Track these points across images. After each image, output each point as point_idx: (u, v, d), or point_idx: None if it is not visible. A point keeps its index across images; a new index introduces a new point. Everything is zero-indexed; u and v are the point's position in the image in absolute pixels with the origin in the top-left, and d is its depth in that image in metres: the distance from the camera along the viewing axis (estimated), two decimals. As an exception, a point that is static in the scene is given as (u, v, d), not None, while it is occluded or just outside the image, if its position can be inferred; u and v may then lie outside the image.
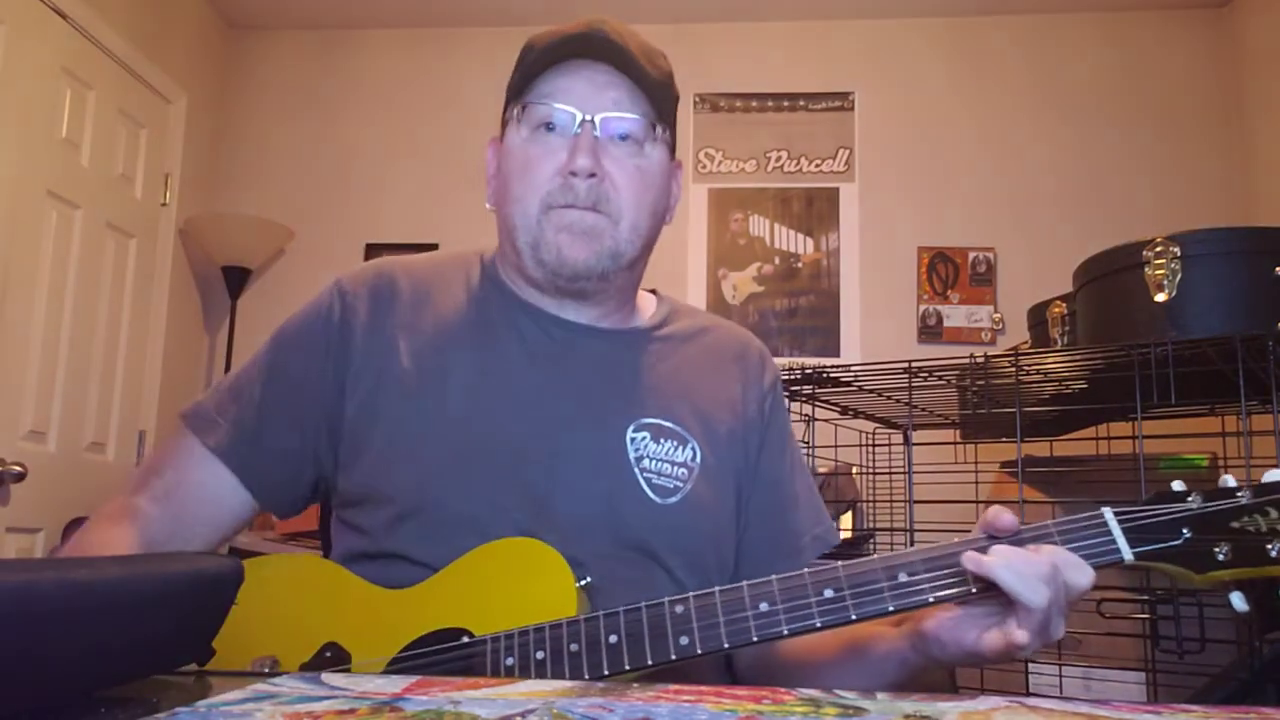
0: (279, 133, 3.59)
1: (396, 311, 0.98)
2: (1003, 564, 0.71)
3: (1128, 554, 0.73)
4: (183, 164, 3.29)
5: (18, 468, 2.50)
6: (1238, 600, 0.71)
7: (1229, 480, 0.73)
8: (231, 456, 0.96)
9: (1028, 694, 1.85)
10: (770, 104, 3.43)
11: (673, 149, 0.99)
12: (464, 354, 0.95)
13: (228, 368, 3.29)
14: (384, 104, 3.56)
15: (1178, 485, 0.75)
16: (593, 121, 0.91)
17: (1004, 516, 0.74)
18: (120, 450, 2.99)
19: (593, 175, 0.91)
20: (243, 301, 3.35)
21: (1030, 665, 1.91)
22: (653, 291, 1.09)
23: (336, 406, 0.95)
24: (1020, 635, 0.70)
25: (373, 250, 3.41)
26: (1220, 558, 0.71)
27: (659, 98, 0.94)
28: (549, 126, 0.93)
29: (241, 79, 3.63)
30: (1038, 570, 0.70)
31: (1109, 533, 0.73)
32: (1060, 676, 1.91)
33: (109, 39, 2.89)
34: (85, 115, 2.81)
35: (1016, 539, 0.74)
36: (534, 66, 0.93)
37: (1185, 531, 0.72)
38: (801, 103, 3.42)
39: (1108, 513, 0.74)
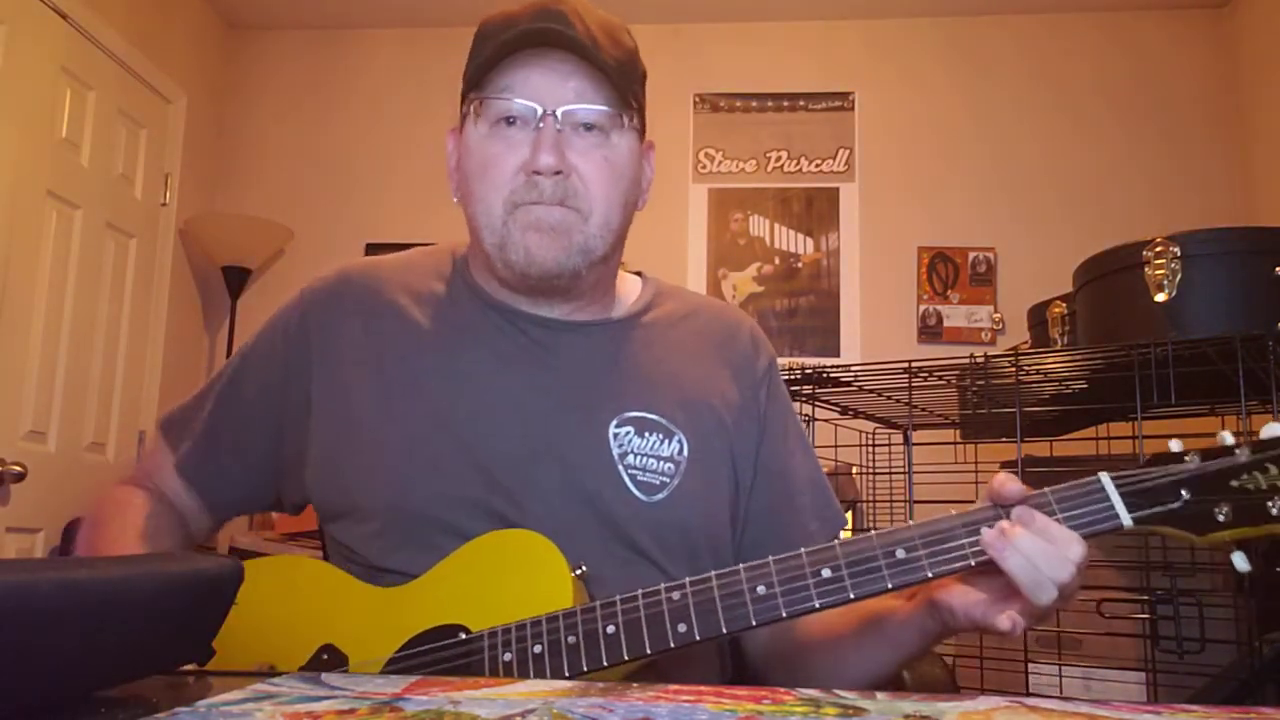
0: (279, 133, 3.59)
1: (360, 320, 0.95)
2: (1016, 556, 0.70)
3: (1126, 519, 0.71)
4: (183, 164, 3.29)
5: (18, 468, 2.50)
6: (1240, 560, 0.70)
7: (1226, 436, 0.71)
8: (188, 472, 1.00)
9: (1028, 694, 1.85)
10: (770, 104, 3.43)
11: (642, 130, 0.94)
12: (435, 358, 0.93)
13: (228, 368, 3.29)
14: (384, 104, 3.56)
15: (1175, 445, 0.72)
16: (555, 115, 0.86)
17: (1010, 485, 0.72)
18: (120, 450, 2.99)
19: (558, 173, 0.86)
20: (243, 301, 3.35)
21: (1030, 665, 1.91)
22: (638, 273, 1.05)
23: (299, 422, 0.95)
24: (1022, 621, 0.71)
25: (372, 250, 3.40)
26: (1220, 518, 0.69)
27: (624, 81, 0.89)
28: (509, 120, 0.87)
29: (241, 79, 3.63)
30: (1050, 564, 0.69)
31: (1107, 499, 0.72)
32: (1060, 676, 1.91)
33: (109, 39, 2.88)
34: (85, 115, 2.81)
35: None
36: (490, 57, 0.87)
37: (1184, 493, 0.70)
38: (801, 103, 3.42)
39: (1105, 478, 0.72)
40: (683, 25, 3.46)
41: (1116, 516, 0.71)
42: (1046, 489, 0.74)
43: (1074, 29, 3.33)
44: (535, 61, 0.87)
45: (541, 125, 0.86)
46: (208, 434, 0.99)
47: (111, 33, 2.90)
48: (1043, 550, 0.70)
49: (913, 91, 3.37)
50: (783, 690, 0.55)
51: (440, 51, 3.54)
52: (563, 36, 0.85)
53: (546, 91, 0.87)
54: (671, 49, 3.42)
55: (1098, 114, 3.27)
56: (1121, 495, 0.72)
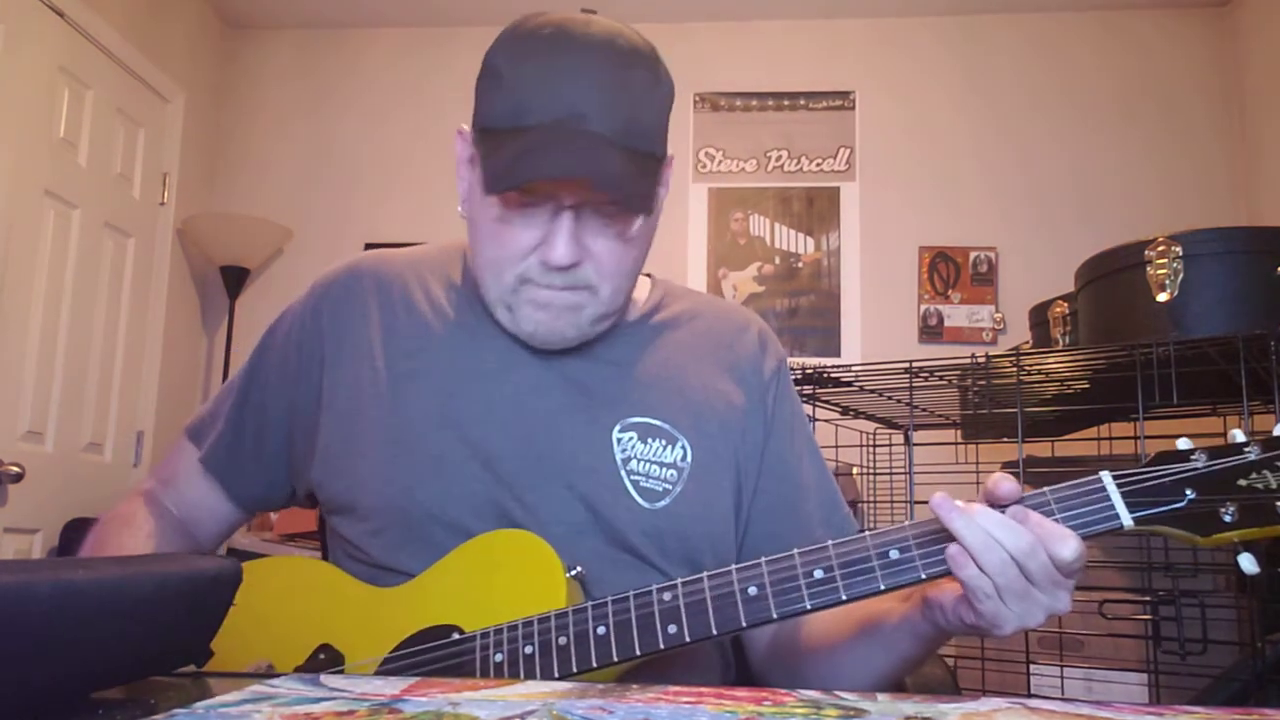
0: (278, 132, 3.58)
1: (371, 314, 0.96)
2: (960, 515, 0.69)
3: (1126, 519, 0.69)
4: (181, 163, 3.29)
5: (15, 468, 2.49)
6: (1247, 562, 0.68)
7: (1238, 435, 0.70)
8: (213, 465, 1.01)
9: (1029, 695, 1.84)
10: (770, 103, 3.42)
11: (665, 159, 0.90)
12: (442, 355, 0.92)
13: (226, 368, 3.30)
14: (384, 104, 3.55)
15: (1183, 443, 0.71)
16: (574, 208, 0.82)
17: (1003, 485, 0.71)
18: (118, 450, 2.98)
19: (574, 264, 0.82)
20: (241, 301, 3.35)
21: (1032, 666, 1.91)
22: (646, 274, 1.04)
23: (311, 416, 0.95)
24: (988, 603, 0.68)
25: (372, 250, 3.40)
26: (1227, 518, 0.68)
27: (644, 169, 0.82)
28: (524, 200, 0.82)
29: (240, 78, 3.63)
30: (1005, 531, 0.68)
31: (1107, 498, 0.70)
32: (1062, 678, 1.90)
33: (107, 38, 2.88)
34: (83, 114, 2.80)
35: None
36: (507, 140, 0.79)
37: (1189, 492, 0.69)
38: (802, 102, 3.41)
39: (1106, 476, 0.71)
40: (683, 25, 3.46)
41: (1116, 516, 0.70)
42: (1046, 489, 0.72)
43: (1074, 28, 3.33)
44: (556, 145, 0.78)
45: (557, 218, 0.81)
46: (230, 428, 1.00)
47: (109, 31, 2.89)
48: (999, 521, 0.68)
49: (913, 90, 3.37)
50: (783, 691, 0.54)
51: (441, 51, 3.54)
52: (589, 147, 0.78)
53: (564, 185, 0.80)
54: (671, 49, 3.39)
55: (1098, 113, 3.27)
56: (1123, 494, 0.70)
